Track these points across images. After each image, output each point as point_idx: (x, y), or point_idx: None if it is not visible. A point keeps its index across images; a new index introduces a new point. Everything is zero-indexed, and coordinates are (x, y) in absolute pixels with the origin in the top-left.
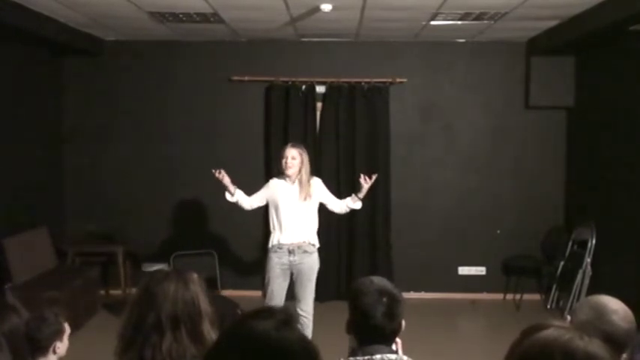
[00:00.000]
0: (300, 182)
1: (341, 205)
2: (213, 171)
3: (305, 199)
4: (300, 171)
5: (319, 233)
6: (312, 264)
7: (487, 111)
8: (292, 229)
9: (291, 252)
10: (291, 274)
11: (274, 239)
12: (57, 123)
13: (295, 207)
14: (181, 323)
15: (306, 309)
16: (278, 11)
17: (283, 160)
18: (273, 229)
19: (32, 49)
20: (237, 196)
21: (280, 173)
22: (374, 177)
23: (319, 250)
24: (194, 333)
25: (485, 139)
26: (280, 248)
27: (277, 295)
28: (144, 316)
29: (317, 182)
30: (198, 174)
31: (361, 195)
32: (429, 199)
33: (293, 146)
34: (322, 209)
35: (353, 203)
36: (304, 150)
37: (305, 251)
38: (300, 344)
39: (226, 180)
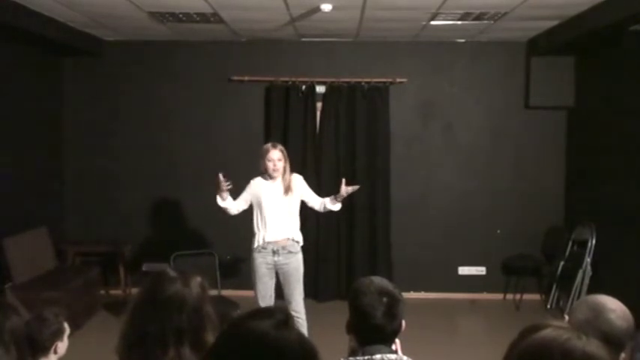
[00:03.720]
0: (283, 179)
1: (320, 203)
2: (221, 175)
3: (287, 193)
4: (284, 170)
5: (317, 232)
6: (297, 264)
7: (487, 111)
8: (277, 226)
9: (275, 252)
10: (277, 274)
11: (259, 239)
12: (57, 123)
13: (278, 203)
14: (185, 337)
15: (298, 309)
16: (278, 11)
17: (270, 164)
18: (257, 229)
19: (32, 49)
20: (227, 202)
21: (264, 173)
22: (355, 187)
23: (315, 248)
24: (197, 344)
25: (485, 139)
26: (265, 248)
27: (265, 295)
28: (147, 323)
29: (298, 178)
30: (199, 174)
31: (340, 198)
32: (429, 199)
33: (275, 147)
34: (307, 209)
35: (332, 205)
36: (283, 148)
37: (290, 251)
38: (298, 344)
39: (223, 186)
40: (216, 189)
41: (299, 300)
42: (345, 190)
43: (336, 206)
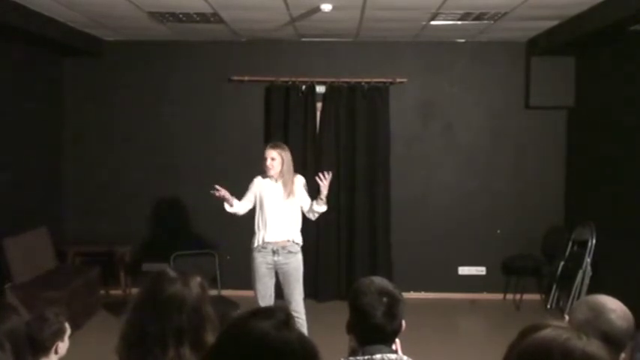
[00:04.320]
0: (284, 181)
1: (308, 207)
2: (212, 192)
3: (289, 196)
4: (282, 170)
5: (317, 232)
6: (297, 264)
7: (487, 111)
8: (277, 227)
9: (275, 252)
10: (277, 274)
11: (259, 238)
12: (57, 123)
13: (280, 205)
14: (185, 337)
15: (298, 309)
16: (278, 11)
17: (264, 162)
18: (258, 228)
19: (32, 49)
20: (235, 206)
21: (263, 173)
22: (329, 175)
23: (316, 248)
24: (197, 344)
25: (485, 139)
26: (265, 248)
27: (265, 295)
28: (147, 323)
29: (299, 180)
30: (199, 174)
31: (323, 195)
32: (429, 198)
33: (272, 147)
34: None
35: (318, 206)
36: (284, 149)
37: (289, 251)
38: (299, 344)
39: (226, 195)
40: (224, 198)
41: (299, 300)
42: (323, 184)
43: (322, 207)
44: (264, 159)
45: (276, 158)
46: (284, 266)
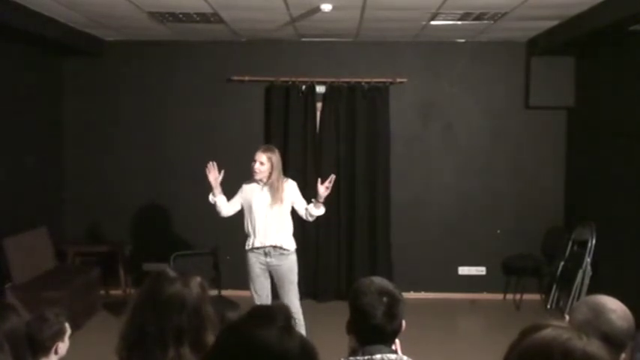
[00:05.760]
0: (271, 187)
1: (305, 211)
2: (210, 164)
3: (276, 202)
4: (270, 176)
5: (317, 232)
6: (290, 265)
7: (487, 111)
8: (265, 234)
9: (267, 253)
10: (271, 274)
11: (249, 241)
12: (57, 123)
13: (267, 212)
14: (185, 337)
15: (295, 310)
16: (278, 11)
17: (252, 164)
18: (248, 233)
19: (32, 49)
20: (218, 199)
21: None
22: (331, 179)
23: (316, 248)
24: (197, 344)
25: (485, 139)
26: (257, 249)
27: (262, 295)
28: (147, 323)
29: (290, 185)
30: (198, 174)
31: (320, 199)
32: (429, 198)
33: (263, 151)
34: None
35: (316, 210)
36: (275, 153)
37: (281, 253)
38: (301, 351)
39: (214, 178)
40: (211, 181)
41: (294, 301)
42: (322, 188)
43: (320, 210)
44: (253, 161)
45: (265, 164)
46: (277, 268)
